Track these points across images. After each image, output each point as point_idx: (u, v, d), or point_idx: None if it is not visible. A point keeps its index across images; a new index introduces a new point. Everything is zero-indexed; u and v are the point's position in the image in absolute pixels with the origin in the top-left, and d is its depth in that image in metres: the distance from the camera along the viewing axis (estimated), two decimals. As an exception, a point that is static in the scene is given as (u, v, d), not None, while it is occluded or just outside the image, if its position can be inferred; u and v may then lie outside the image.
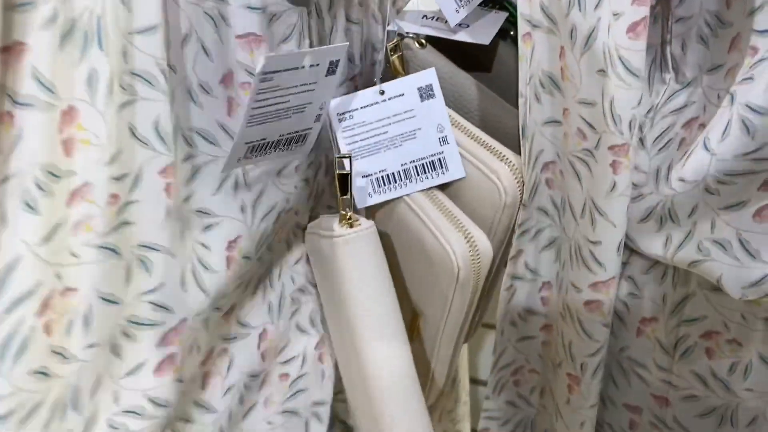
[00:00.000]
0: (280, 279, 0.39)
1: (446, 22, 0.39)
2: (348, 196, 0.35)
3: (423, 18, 0.41)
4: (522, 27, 0.36)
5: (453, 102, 0.40)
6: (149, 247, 0.30)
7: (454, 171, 0.38)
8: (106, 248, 0.29)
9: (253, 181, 0.35)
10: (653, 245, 0.36)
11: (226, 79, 0.32)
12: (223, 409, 0.36)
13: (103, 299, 0.29)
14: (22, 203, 0.27)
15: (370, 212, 0.40)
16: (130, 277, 0.30)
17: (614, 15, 0.31)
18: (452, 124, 0.38)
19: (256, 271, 0.37)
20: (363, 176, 0.37)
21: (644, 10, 0.30)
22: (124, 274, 0.30)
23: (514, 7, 0.40)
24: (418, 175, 0.38)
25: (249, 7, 0.32)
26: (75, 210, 0.28)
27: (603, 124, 0.32)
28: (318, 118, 0.36)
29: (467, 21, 0.40)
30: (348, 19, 0.39)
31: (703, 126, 0.34)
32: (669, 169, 0.34)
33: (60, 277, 0.28)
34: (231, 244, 0.34)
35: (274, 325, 0.39)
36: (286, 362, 0.40)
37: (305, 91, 0.33)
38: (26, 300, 0.28)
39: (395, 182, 0.37)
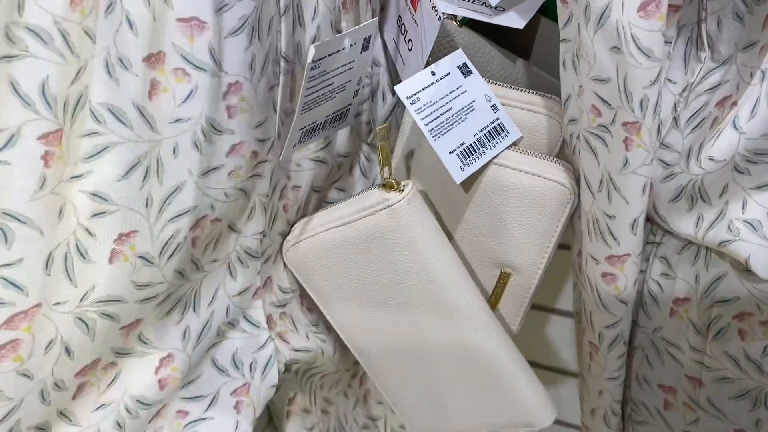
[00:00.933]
0: (211, 306, 0.37)
1: (483, 3, 0.42)
2: (390, 165, 0.38)
3: (459, -1, 0.43)
4: None
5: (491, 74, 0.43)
6: (13, 217, 0.28)
7: (513, 133, 0.40)
8: None
9: (169, 176, 0.32)
10: (685, 225, 0.36)
11: (152, 58, 0.30)
12: (90, 426, 0.33)
13: None
14: None
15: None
16: None
17: (628, -5, 0.31)
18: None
19: (175, 288, 0.34)
20: (449, 152, 0.39)
21: (656, -10, 0.30)
22: None
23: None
24: (489, 141, 0.40)
25: None
26: None
27: (618, 100, 0.33)
28: (356, 93, 0.40)
29: (503, 4, 0.42)
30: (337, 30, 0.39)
31: (735, 104, 0.33)
32: (701, 146, 0.34)
33: None
34: (122, 237, 0.31)
35: (185, 353, 0.36)
36: (189, 399, 0.36)
37: (346, 71, 0.37)
38: None
39: (476, 152, 0.40)
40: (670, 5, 0.32)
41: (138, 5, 0.29)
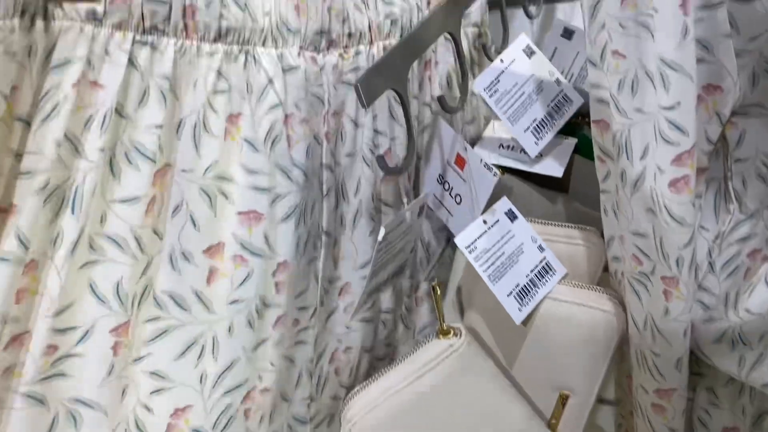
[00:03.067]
0: None
1: (522, 150, 0.46)
2: (443, 314, 0.41)
3: (500, 147, 0.48)
4: (596, 149, 0.41)
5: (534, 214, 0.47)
6: (83, 403, 0.31)
7: (559, 270, 0.44)
8: (31, 397, 0.30)
9: (224, 353, 0.34)
10: (728, 364, 0.38)
11: (213, 249, 0.34)
12: None
13: None
14: None
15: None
16: (54, 429, 0.31)
17: (659, 169, 0.35)
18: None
19: None
20: (507, 295, 0.42)
21: (685, 170, 0.34)
22: (47, 424, 0.30)
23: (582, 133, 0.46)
24: (540, 280, 0.43)
25: (255, 188, 0.35)
26: (9, 356, 0.30)
27: (656, 255, 0.37)
28: (413, 249, 0.45)
29: (541, 151, 0.47)
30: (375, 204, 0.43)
31: (766, 258, 0.36)
32: (737, 295, 0.37)
33: None
34: (178, 412, 0.33)
35: None
36: None
37: (406, 235, 0.42)
38: None
39: (530, 292, 0.43)
40: (697, 168, 0.36)
41: (202, 206, 0.34)
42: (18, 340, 0.30)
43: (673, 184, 0.34)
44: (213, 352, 0.35)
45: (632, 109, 0.37)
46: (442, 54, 0.48)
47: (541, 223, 0.46)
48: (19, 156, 0.29)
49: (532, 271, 0.43)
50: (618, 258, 0.42)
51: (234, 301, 0.35)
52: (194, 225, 0.34)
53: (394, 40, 0.44)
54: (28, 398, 0.30)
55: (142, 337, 0.33)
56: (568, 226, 0.45)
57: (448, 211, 0.47)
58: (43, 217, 0.30)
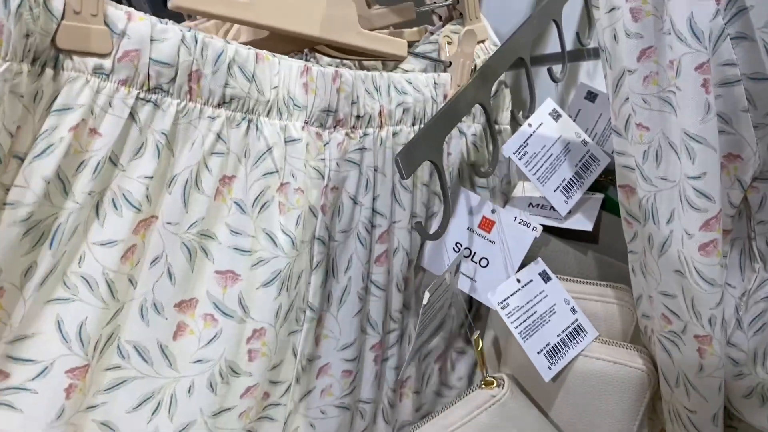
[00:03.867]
0: None
1: (551, 208, 0.49)
2: (486, 366, 0.43)
3: (530, 206, 0.51)
4: (622, 211, 0.44)
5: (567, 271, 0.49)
6: None
7: (591, 332, 0.45)
8: None
9: (181, 412, 0.34)
10: (758, 418, 0.40)
11: (184, 304, 0.34)
12: None
13: None
14: None
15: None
16: None
17: (686, 233, 0.37)
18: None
19: None
20: (537, 353, 0.44)
21: (713, 234, 0.36)
22: None
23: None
24: (571, 341, 0.45)
25: (237, 249, 0.35)
26: None
27: (687, 315, 0.39)
28: (450, 305, 0.47)
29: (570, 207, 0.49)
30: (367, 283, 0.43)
31: (793, 315, 0.38)
32: (765, 352, 0.39)
33: None
34: None
35: None
36: None
37: (445, 293, 0.44)
38: None
39: (560, 352, 0.45)
40: (723, 230, 0.38)
41: (181, 259, 0.34)
42: None
43: (702, 248, 0.36)
44: (169, 410, 0.34)
45: (657, 177, 0.39)
46: (455, 147, 0.50)
47: (575, 281, 0.47)
48: (8, 190, 0.29)
49: (563, 331, 0.45)
50: (648, 316, 0.44)
51: (198, 360, 0.35)
52: (170, 278, 0.34)
53: (405, 126, 0.46)
54: None
55: (99, 384, 0.32)
56: (602, 285, 0.47)
57: (468, 277, 0.48)
58: (20, 247, 0.30)
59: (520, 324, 0.44)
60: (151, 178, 0.33)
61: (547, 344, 0.44)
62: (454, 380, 0.53)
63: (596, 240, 0.51)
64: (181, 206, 0.34)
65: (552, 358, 0.44)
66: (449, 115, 0.42)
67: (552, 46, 0.59)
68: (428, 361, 0.50)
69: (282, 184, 0.38)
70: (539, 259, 0.46)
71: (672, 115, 0.37)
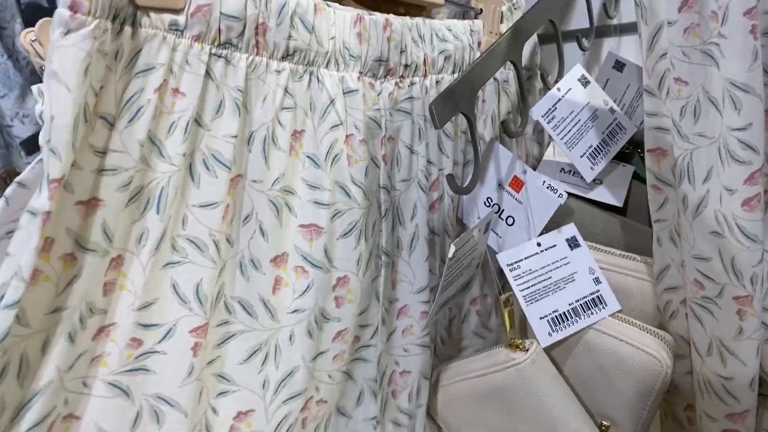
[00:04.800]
0: None
1: (581, 177, 0.48)
2: (516, 327, 0.42)
3: (561, 171, 0.50)
4: (650, 178, 0.43)
5: (590, 237, 0.47)
6: (165, 401, 0.31)
7: (612, 305, 0.43)
8: (115, 386, 0.31)
9: (285, 360, 0.36)
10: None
11: (278, 259, 0.36)
12: None
13: None
14: (65, 334, 0.29)
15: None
16: (138, 423, 0.31)
17: (727, 190, 0.36)
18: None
19: None
20: (540, 318, 0.43)
21: (757, 189, 0.35)
22: (131, 417, 0.31)
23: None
24: (585, 311, 0.43)
25: (316, 203, 0.36)
26: (97, 346, 0.30)
27: (725, 277, 0.37)
28: (478, 265, 0.45)
29: (599, 176, 0.48)
30: (430, 231, 0.44)
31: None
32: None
33: (67, 403, 0.30)
34: (241, 415, 0.34)
35: None
36: None
37: (472, 251, 0.43)
38: (36, 428, 0.28)
39: (568, 320, 0.43)
40: (761, 190, 0.37)
41: (270, 216, 0.35)
42: (104, 331, 0.31)
43: (746, 203, 0.35)
44: (275, 359, 0.35)
45: (694, 134, 0.38)
46: (490, 93, 0.50)
47: (610, 253, 0.45)
48: (98, 152, 0.30)
49: (577, 300, 0.43)
50: (673, 288, 0.42)
51: (295, 311, 0.36)
52: (263, 234, 0.35)
53: (446, 75, 0.46)
54: (112, 387, 0.31)
55: (212, 340, 0.34)
56: (638, 260, 0.45)
57: (497, 234, 0.47)
58: (127, 214, 0.30)
59: (528, 287, 0.43)
60: (236, 136, 0.33)
61: (555, 311, 0.43)
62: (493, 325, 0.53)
63: (624, 212, 0.50)
64: (263, 163, 0.35)
65: (556, 326, 0.43)
66: (479, 70, 0.41)
67: (577, 21, 0.58)
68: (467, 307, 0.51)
69: (347, 136, 0.38)
70: (572, 224, 0.45)
71: (713, 68, 0.37)
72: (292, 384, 0.36)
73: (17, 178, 0.40)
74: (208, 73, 0.32)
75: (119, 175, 0.30)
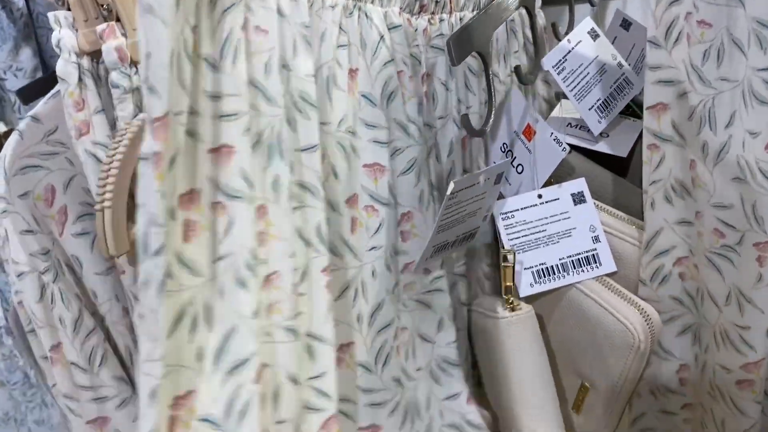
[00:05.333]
0: (429, 411, 0.41)
1: (588, 130, 0.46)
2: (511, 284, 0.41)
3: (568, 126, 0.48)
4: (647, 138, 0.41)
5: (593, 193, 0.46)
6: (314, 337, 0.32)
7: (606, 265, 0.42)
8: (290, 330, 0.31)
9: (372, 295, 0.37)
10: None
11: (351, 200, 0.36)
12: None
13: (288, 378, 0.31)
14: (235, 280, 0.29)
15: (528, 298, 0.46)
16: (302, 362, 0.32)
17: (750, 133, 0.36)
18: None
19: (399, 397, 0.39)
20: (525, 268, 0.42)
21: (781, 130, 0.35)
22: (298, 357, 0.32)
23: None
24: (575, 268, 0.42)
25: (376, 142, 0.37)
26: (268, 294, 0.30)
27: (745, 224, 0.37)
28: (485, 218, 0.43)
29: (607, 130, 0.47)
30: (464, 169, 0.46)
31: None
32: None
33: (259, 351, 0.30)
34: (343, 347, 0.36)
35: None
36: None
37: (478, 200, 0.41)
38: (243, 367, 0.28)
39: (554, 274, 0.42)
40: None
41: (339, 157, 0.36)
42: (270, 280, 0.31)
43: (770, 145, 0.35)
44: (364, 295, 0.37)
45: (717, 78, 0.37)
46: (501, 32, 0.49)
47: (617, 217, 0.43)
48: (213, 97, 0.28)
49: (569, 256, 0.43)
50: (665, 251, 0.42)
51: (372, 248, 0.37)
52: (336, 176, 0.35)
53: (467, 12, 0.45)
54: (288, 332, 0.31)
55: None
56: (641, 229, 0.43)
57: (507, 180, 0.46)
58: (256, 161, 0.30)
59: (518, 239, 0.43)
60: (314, 75, 0.33)
61: (542, 263, 0.42)
62: None
63: (625, 174, 0.49)
64: (328, 104, 0.35)
65: (540, 278, 0.42)
66: (494, 11, 0.40)
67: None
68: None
69: (399, 72, 0.38)
70: (582, 179, 0.43)
71: (739, 9, 0.36)
72: (381, 316, 0.38)
73: (30, 112, 0.38)
74: (279, 10, 0.31)
75: (240, 119, 0.29)
